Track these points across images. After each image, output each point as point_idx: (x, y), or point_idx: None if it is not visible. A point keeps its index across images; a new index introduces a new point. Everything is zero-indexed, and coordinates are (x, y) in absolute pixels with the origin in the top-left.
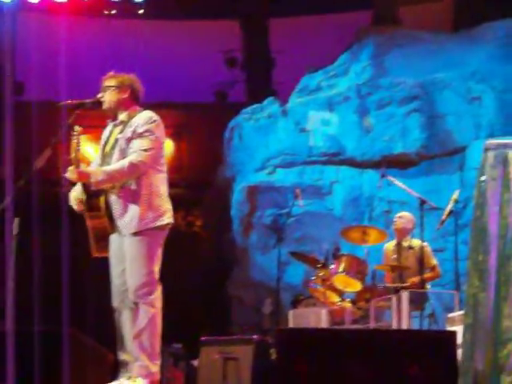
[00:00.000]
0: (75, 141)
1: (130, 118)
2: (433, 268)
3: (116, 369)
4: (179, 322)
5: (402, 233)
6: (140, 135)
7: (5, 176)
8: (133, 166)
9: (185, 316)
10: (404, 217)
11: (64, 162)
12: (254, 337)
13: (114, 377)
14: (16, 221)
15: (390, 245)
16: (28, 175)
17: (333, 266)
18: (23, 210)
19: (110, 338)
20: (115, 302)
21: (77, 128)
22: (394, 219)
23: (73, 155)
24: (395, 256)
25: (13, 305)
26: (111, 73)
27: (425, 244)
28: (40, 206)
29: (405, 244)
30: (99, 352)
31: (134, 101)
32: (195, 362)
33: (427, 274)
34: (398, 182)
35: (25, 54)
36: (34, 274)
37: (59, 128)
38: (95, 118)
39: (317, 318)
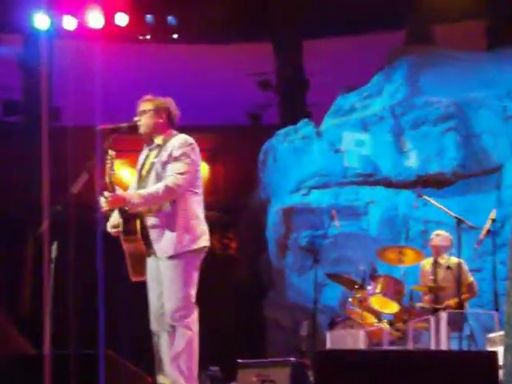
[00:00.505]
0: (109, 165)
1: (166, 141)
2: (469, 285)
3: None
4: (216, 344)
5: (439, 250)
6: (176, 159)
7: (42, 201)
8: (168, 190)
9: (221, 338)
10: (441, 234)
11: (100, 186)
12: (291, 359)
13: None
14: (54, 245)
15: (427, 262)
16: (64, 200)
17: (370, 287)
18: (60, 235)
19: (148, 361)
20: (153, 326)
21: (111, 152)
22: (431, 236)
23: (107, 180)
24: (432, 277)
25: (50, 328)
26: (148, 96)
27: (462, 262)
28: (76, 230)
29: (442, 262)
30: (136, 374)
31: (169, 125)
32: None
33: (464, 295)
34: (434, 202)
35: (61, 80)
36: (69, 296)
37: (95, 152)
38: (131, 143)
39: (354, 339)
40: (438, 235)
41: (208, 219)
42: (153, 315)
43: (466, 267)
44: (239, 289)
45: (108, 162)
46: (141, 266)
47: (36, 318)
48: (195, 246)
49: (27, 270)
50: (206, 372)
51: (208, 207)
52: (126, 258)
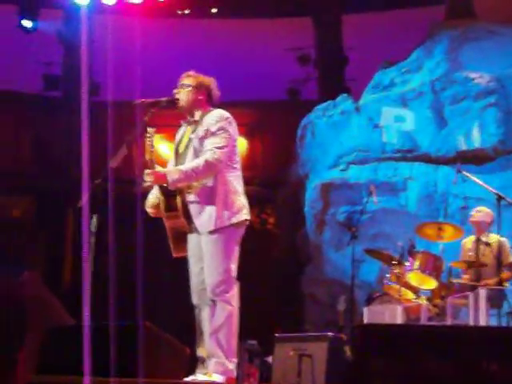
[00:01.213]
0: (149, 142)
1: (203, 117)
2: (510, 264)
3: (192, 363)
4: (254, 318)
5: (480, 227)
6: (213, 134)
7: (82, 175)
8: (208, 164)
9: (259, 313)
10: (482, 210)
11: (139, 161)
12: (329, 334)
13: (190, 371)
14: (94, 218)
15: (469, 240)
16: (104, 174)
17: (408, 263)
18: (100, 209)
19: (188, 334)
20: (194, 300)
21: (150, 129)
22: (472, 213)
23: (148, 157)
24: (472, 253)
25: (89, 299)
26: (191, 72)
27: (503, 239)
28: (116, 204)
29: (483, 239)
30: (175, 346)
31: (209, 103)
32: (270, 359)
33: (505, 274)
34: (473, 178)
35: (101, 55)
36: (110, 270)
37: (134, 127)
38: (169, 117)
39: (392, 315)
40: (479, 211)
41: (246, 194)
42: (193, 289)
43: (507, 245)
44: (277, 264)
45: (148, 139)
46: (182, 243)
47: (77, 291)
48: (235, 220)
49: (67, 243)
50: (243, 345)
51: (246, 182)
52: (167, 234)
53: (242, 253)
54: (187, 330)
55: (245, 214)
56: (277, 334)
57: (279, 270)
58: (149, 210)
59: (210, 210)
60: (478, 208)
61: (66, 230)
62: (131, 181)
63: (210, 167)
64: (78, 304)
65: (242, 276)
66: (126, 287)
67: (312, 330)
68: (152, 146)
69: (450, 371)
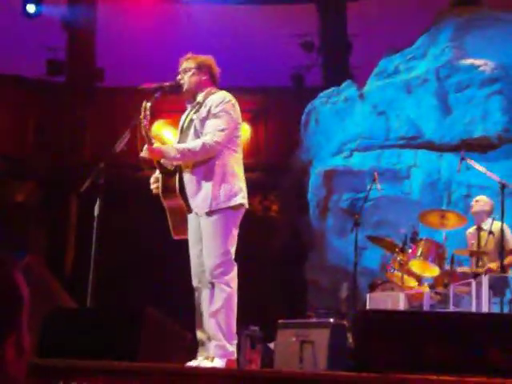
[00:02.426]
0: (142, 117)
1: (206, 98)
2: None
3: (194, 348)
4: (256, 304)
5: (481, 216)
6: (215, 115)
7: (85, 159)
8: (206, 146)
9: (262, 299)
10: (481, 200)
11: (141, 143)
12: (331, 320)
13: (193, 356)
14: (97, 203)
15: (472, 229)
16: (107, 159)
17: (410, 251)
18: (103, 193)
19: (189, 318)
20: (194, 282)
21: (145, 104)
22: (471, 203)
23: (143, 132)
24: (474, 241)
25: (93, 283)
26: (189, 54)
27: (505, 226)
28: (121, 188)
29: (485, 227)
30: (177, 331)
31: (212, 82)
32: (272, 345)
33: (507, 260)
34: (477, 166)
35: (105, 40)
36: (112, 255)
37: (138, 111)
38: (174, 103)
39: (394, 302)
40: (477, 201)
41: (250, 181)
42: (193, 272)
43: (509, 232)
44: (280, 251)
45: (142, 113)
46: (182, 224)
47: (79, 275)
48: (231, 203)
49: (71, 227)
50: (245, 331)
51: (250, 169)
52: (167, 216)
53: (244, 239)
54: (188, 312)
55: (241, 198)
56: (279, 320)
57: (282, 257)
58: (152, 187)
59: (205, 191)
60: (477, 198)
61: (70, 215)
62: (135, 166)
63: (208, 149)
64: (80, 288)
65: (244, 262)
66: (129, 271)
67: (314, 317)
68: (147, 121)
69: (451, 357)
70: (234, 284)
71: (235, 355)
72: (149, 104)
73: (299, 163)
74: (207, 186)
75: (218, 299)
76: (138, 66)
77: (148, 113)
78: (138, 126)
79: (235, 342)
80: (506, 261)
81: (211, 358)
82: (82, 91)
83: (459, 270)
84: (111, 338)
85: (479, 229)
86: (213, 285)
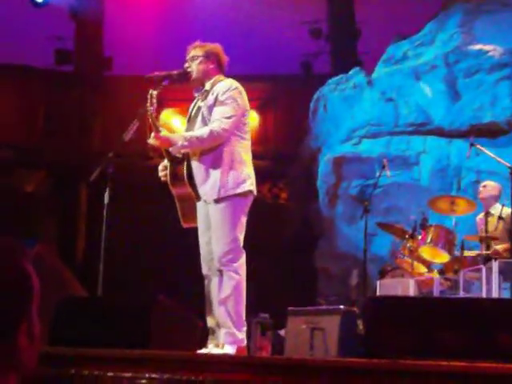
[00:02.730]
0: (149, 104)
1: (213, 86)
2: None
3: (205, 336)
4: (266, 292)
5: (489, 201)
6: (222, 103)
7: (95, 149)
8: (213, 134)
9: (272, 286)
10: (488, 185)
11: (150, 131)
12: (341, 307)
13: (204, 343)
14: (106, 192)
15: (481, 215)
16: (116, 147)
17: (420, 237)
18: (113, 182)
19: (200, 305)
20: (204, 270)
21: (151, 91)
22: (479, 189)
23: (150, 120)
24: (483, 227)
25: (102, 271)
26: (197, 42)
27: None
28: (130, 177)
29: (493, 212)
30: (188, 319)
31: (219, 70)
32: (282, 332)
33: None
34: (487, 151)
35: (113, 30)
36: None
37: (145, 100)
38: (182, 92)
39: (404, 288)
40: (484, 186)
41: (259, 169)
42: (203, 260)
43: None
44: (290, 238)
45: (148, 101)
46: (191, 212)
47: (90, 264)
48: (240, 190)
49: (81, 216)
50: (256, 319)
51: (259, 157)
52: (176, 204)
53: (254, 227)
54: (199, 300)
55: (249, 185)
56: (289, 308)
57: (292, 245)
58: (161, 175)
59: (213, 179)
60: (484, 183)
61: (80, 204)
62: (144, 154)
63: (215, 137)
64: (91, 277)
65: (254, 250)
66: (140, 260)
67: (325, 304)
68: (153, 108)
69: (461, 342)
70: (243, 271)
71: (245, 342)
72: (155, 92)
73: (308, 151)
74: (215, 174)
75: (226, 287)
76: (147, 54)
77: (155, 101)
78: (145, 115)
79: (245, 328)
80: None
81: (221, 345)
82: (90, 80)
83: (466, 253)
84: (123, 327)
85: (488, 214)
86: (221, 272)
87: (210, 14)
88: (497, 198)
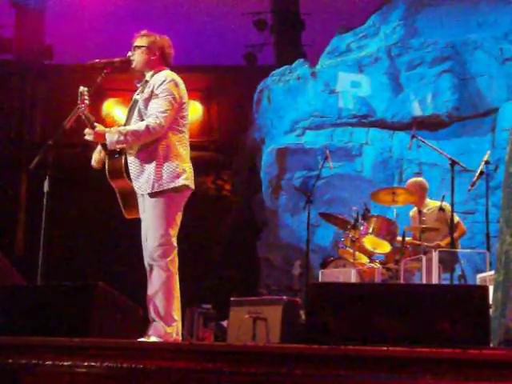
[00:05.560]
0: (80, 101)
1: (152, 77)
2: (457, 225)
3: (146, 324)
4: (209, 283)
5: (420, 201)
6: (157, 96)
7: (34, 137)
8: (149, 129)
9: (215, 277)
10: (411, 186)
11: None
12: (283, 297)
13: (144, 332)
14: (46, 180)
15: (413, 211)
16: (56, 136)
17: (362, 228)
18: (52, 170)
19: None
20: (146, 261)
21: (82, 88)
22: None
23: (83, 117)
24: (418, 224)
25: (43, 261)
26: (144, 31)
27: (444, 203)
28: (69, 167)
29: (424, 210)
30: (128, 306)
31: (162, 63)
32: (225, 323)
33: (455, 234)
34: (428, 144)
35: (53, 17)
36: (64, 233)
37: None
38: (125, 81)
39: (346, 278)
40: (409, 190)
41: (202, 160)
42: (144, 251)
43: (449, 208)
44: (233, 229)
45: (79, 98)
46: (133, 204)
47: (30, 253)
48: (174, 185)
49: (21, 204)
50: (198, 309)
51: (202, 148)
52: (116, 195)
53: (197, 218)
54: (143, 290)
55: (184, 180)
56: (232, 298)
57: (235, 235)
58: (94, 165)
59: (148, 173)
60: (407, 184)
61: (20, 193)
62: (84, 144)
63: (151, 132)
64: (31, 267)
65: (197, 241)
66: (81, 248)
67: (267, 294)
68: (84, 104)
69: (401, 329)
70: (174, 267)
71: (173, 337)
72: (86, 89)
73: (252, 142)
74: (150, 168)
75: (155, 282)
76: (87, 43)
77: (86, 97)
78: (77, 112)
79: (174, 324)
80: (455, 235)
81: (147, 336)
82: (30, 69)
83: (408, 240)
84: (62, 315)
85: (420, 212)
86: (151, 267)
87: (155, 2)
88: (423, 196)
